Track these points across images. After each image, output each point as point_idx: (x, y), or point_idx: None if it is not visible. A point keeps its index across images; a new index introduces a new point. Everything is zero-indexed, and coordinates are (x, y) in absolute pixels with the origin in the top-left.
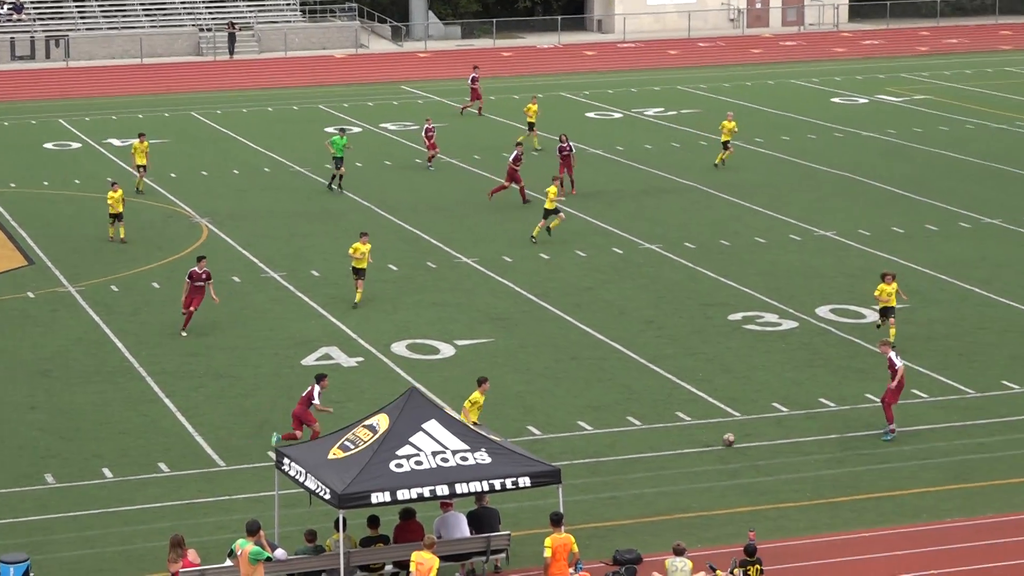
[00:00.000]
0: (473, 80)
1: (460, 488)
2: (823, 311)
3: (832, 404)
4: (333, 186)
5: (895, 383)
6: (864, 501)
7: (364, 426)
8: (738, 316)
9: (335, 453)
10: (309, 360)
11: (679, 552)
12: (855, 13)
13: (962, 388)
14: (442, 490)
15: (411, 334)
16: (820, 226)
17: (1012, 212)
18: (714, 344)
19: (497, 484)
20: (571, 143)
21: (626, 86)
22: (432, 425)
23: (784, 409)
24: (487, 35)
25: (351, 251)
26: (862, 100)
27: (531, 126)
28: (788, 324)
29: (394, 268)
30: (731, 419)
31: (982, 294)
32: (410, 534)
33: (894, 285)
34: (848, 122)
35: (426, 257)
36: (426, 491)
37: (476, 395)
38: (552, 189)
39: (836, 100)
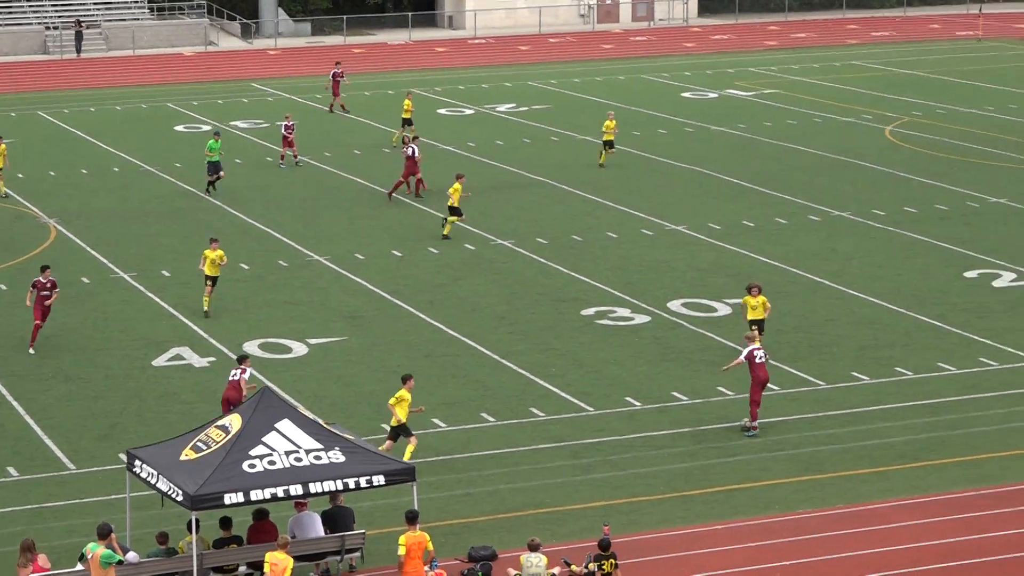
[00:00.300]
0: (335, 76)
1: (314, 487)
2: (675, 305)
3: (684, 398)
4: (210, 190)
5: (754, 379)
6: (717, 494)
7: (216, 427)
8: (591, 311)
9: (187, 454)
10: (160, 361)
11: (534, 548)
12: (704, 8)
13: (813, 380)
14: (296, 490)
15: (263, 333)
16: (671, 220)
17: (861, 205)
18: (567, 339)
19: (351, 483)
20: (415, 145)
21: (478, 82)
22: (285, 425)
23: (637, 403)
24: (337, 32)
25: (201, 259)
26: (712, 95)
27: (407, 122)
28: (640, 319)
29: (245, 267)
30: (584, 414)
31: (832, 286)
32: (264, 535)
33: (761, 298)
34: (698, 117)
35: (278, 256)
36: (280, 491)
37: (403, 392)
38: (457, 186)
39: (686, 95)
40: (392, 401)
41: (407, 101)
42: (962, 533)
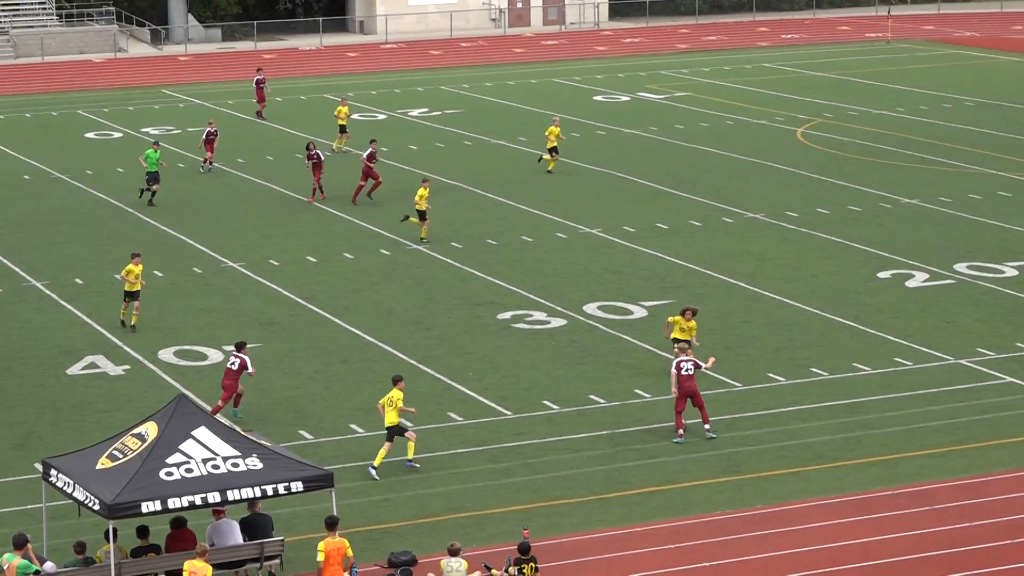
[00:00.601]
0: (258, 82)
1: (232, 495)
2: (591, 308)
3: (602, 400)
4: (151, 201)
5: (676, 388)
6: (636, 496)
7: (132, 435)
8: (507, 315)
9: (103, 463)
10: (75, 369)
11: (454, 552)
12: (615, 11)
13: (729, 382)
14: (214, 497)
15: (178, 341)
16: (585, 223)
17: (774, 207)
18: (483, 343)
19: (269, 489)
20: (319, 151)
21: (390, 87)
22: (202, 432)
23: (555, 407)
24: (248, 38)
25: (123, 273)
26: (624, 98)
27: (342, 128)
28: (557, 322)
29: (159, 274)
30: (503, 418)
31: (747, 288)
32: (182, 543)
33: (692, 323)
34: (611, 120)
35: (192, 263)
36: (197, 499)
37: (395, 392)
38: (422, 191)
39: (598, 98)
40: (383, 401)
41: (342, 108)
42: (880, 532)
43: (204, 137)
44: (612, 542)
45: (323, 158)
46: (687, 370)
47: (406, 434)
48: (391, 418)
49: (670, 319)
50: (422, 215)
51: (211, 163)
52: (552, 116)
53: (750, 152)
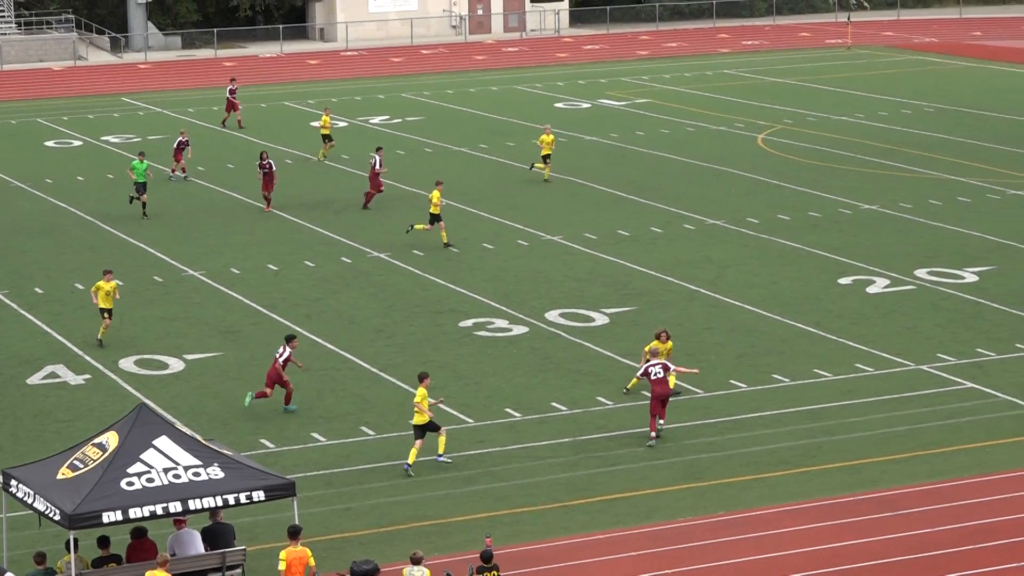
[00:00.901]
0: (231, 92)
1: (193, 504)
2: (552, 315)
3: (564, 408)
4: (147, 213)
5: (652, 394)
6: (598, 503)
7: (93, 445)
8: (469, 323)
9: (64, 473)
10: (35, 379)
11: (416, 561)
12: (576, 18)
13: (691, 388)
14: (175, 507)
15: (139, 350)
16: (547, 231)
17: (734, 213)
18: (445, 351)
19: (231, 499)
20: (271, 160)
21: (351, 94)
22: (163, 441)
23: (517, 414)
24: (208, 45)
25: (93, 290)
26: (585, 104)
27: (326, 138)
28: (518, 329)
29: (120, 283)
30: (465, 426)
31: (708, 295)
32: (143, 552)
33: (669, 344)
34: (571, 126)
35: (153, 271)
36: (159, 508)
37: (421, 390)
38: (436, 193)
39: (559, 105)
40: (417, 399)
41: (325, 117)
42: (845, 538)
43: (175, 146)
44: (575, 549)
45: (275, 168)
46: (656, 374)
47: (439, 431)
48: (419, 418)
49: (647, 348)
50: (436, 218)
51: (181, 172)
52: (543, 125)
53: (710, 158)
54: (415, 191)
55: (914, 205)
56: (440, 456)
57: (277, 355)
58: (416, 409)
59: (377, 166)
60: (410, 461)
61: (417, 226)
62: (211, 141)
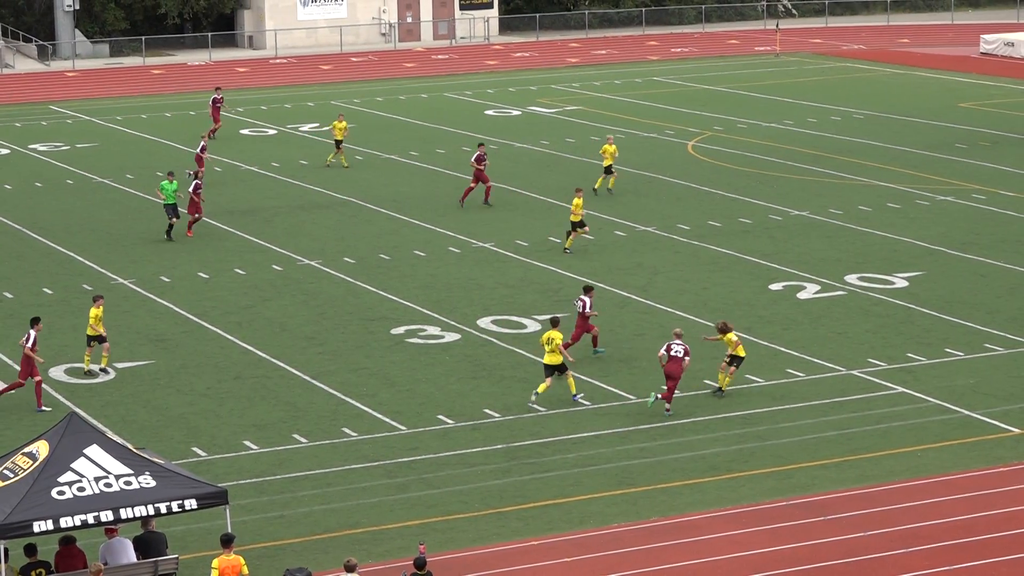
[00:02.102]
0: (214, 101)
1: (125, 513)
2: (484, 322)
3: (497, 414)
4: (170, 235)
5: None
6: (531, 510)
7: (23, 454)
8: (400, 330)
9: None
10: None
11: (350, 568)
12: (505, 26)
13: (623, 394)
14: (107, 516)
15: (69, 358)
16: (478, 238)
17: (664, 220)
18: (377, 358)
19: (163, 507)
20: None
21: (280, 102)
22: (94, 450)
23: (449, 421)
24: (136, 53)
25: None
26: (515, 112)
27: (338, 143)
28: (451, 336)
29: (49, 291)
30: (397, 433)
31: (639, 301)
32: (71, 559)
33: (730, 335)
34: (502, 134)
35: (81, 279)
36: (90, 517)
37: (554, 333)
38: (578, 201)
39: (490, 112)
40: (543, 340)
41: (338, 123)
42: (775, 543)
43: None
44: (508, 556)
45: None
46: (676, 352)
47: (566, 373)
48: (550, 358)
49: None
50: (579, 224)
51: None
52: (606, 136)
53: (641, 165)
54: (345, 198)
55: (844, 211)
56: (576, 396)
57: (576, 304)
58: (550, 349)
59: (476, 160)
60: (539, 391)
61: (580, 231)
62: (139, 148)
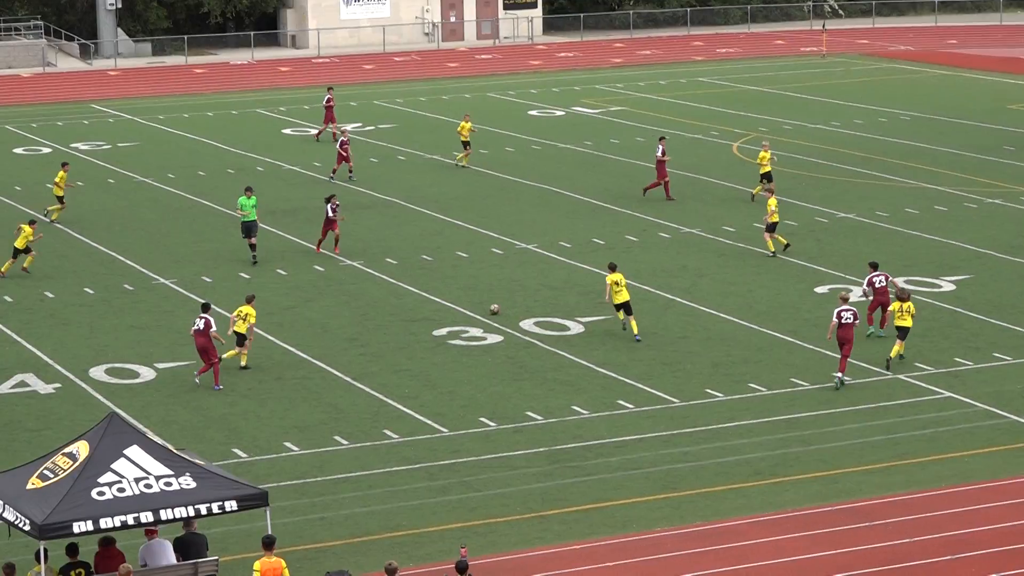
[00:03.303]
0: (328, 101)
1: (165, 514)
2: (527, 324)
3: (539, 417)
4: (256, 259)
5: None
6: (573, 513)
7: (64, 454)
8: (443, 331)
9: (34, 483)
10: (4, 388)
11: (391, 572)
12: (549, 26)
13: (667, 398)
14: (146, 517)
15: (109, 358)
16: (521, 239)
17: (710, 221)
18: (419, 360)
19: (203, 509)
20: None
21: (322, 102)
22: (134, 451)
23: (492, 424)
24: (179, 52)
25: (236, 314)
26: (559, 112)
27: (466, 144)
28: (493, 338)
29: (90, 291)
30: (439, 435)
31: (684, 303)
32: (110, 560)
33: (908, 303)
34: (545, 134)
35: (123, 279)
36: (130, 518)
37: (617, 275)
38: (773, 201)
39: (533, 112)
40: (610, 282)
41: (465, 123)
42: (819, 549)
43: (338, 147)
44: (550, 560)
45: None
46: (846, 319)
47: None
48: (621, 296)
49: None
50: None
51: (349, 171)
52: (761, 143)
53: (685, 167)
54: (388, 199)
55: (891, 214)
56: (637, 337)
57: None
58: (616, 288)
59: (660, 155)
60: (635, 332)
61: (777, 240)
62: (180, 148)
